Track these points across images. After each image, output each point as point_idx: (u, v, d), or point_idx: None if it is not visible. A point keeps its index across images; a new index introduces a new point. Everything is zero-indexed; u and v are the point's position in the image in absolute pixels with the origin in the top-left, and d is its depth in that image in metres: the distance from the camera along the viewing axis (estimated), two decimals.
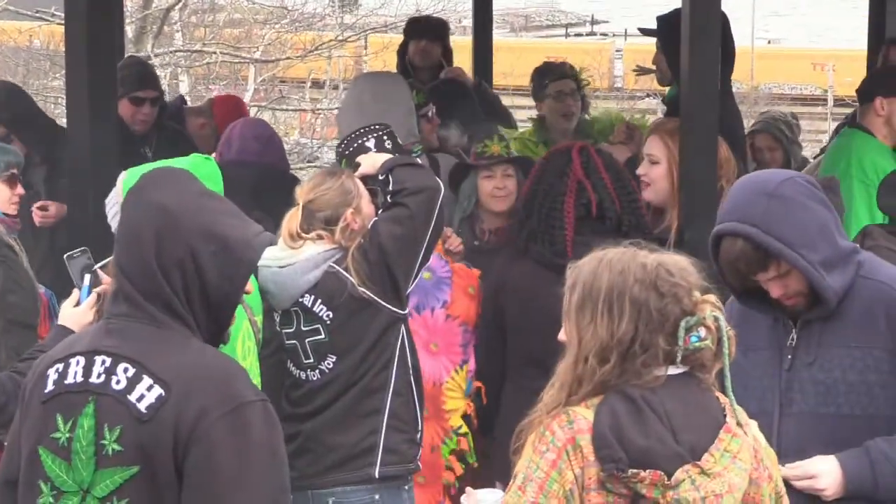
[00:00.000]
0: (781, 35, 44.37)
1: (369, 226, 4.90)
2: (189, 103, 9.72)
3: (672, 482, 3.13)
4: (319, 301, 4.84)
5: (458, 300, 5.51)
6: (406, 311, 4.94)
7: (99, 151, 5.78)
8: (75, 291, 4.20)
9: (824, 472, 3.83)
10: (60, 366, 3.30)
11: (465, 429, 5.50)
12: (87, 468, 3.22)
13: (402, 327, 4.91)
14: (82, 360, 3.27)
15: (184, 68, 21.63)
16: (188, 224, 3.28)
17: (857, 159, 6.25)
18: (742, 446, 3.22)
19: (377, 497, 4.85)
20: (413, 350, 4.95)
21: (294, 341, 4.90)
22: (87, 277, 4.17)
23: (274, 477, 3.21)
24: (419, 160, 5.44)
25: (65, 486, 3.24)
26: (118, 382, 3.22)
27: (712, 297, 3.29)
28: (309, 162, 20.09)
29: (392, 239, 4.83)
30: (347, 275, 4.81)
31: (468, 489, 3.56)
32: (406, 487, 4.94)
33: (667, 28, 6.71)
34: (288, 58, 22.51)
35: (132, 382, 3.21)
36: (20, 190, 5.62)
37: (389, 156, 5.13)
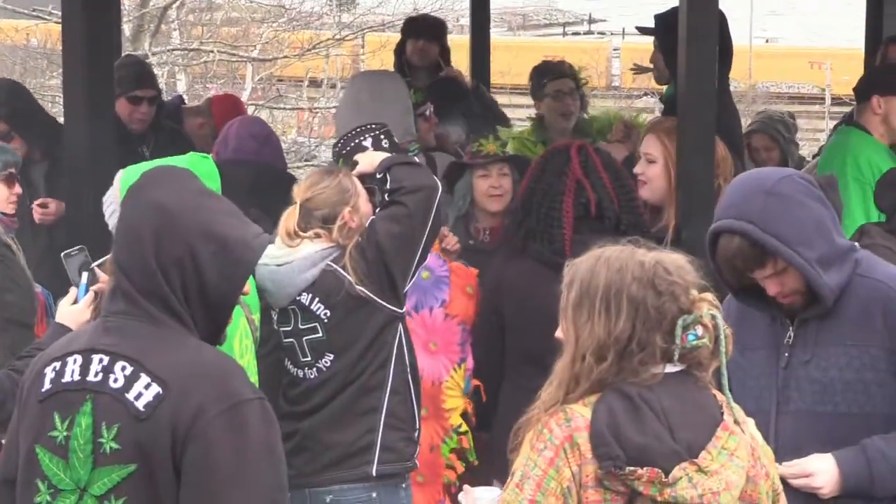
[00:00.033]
0: (779, 34, 44.40)
1: (367, 224, 4.90)
2: (187, 102, 9.72)
3: (669, 480, 3.13)
4: (317, 299, 4.84)
5: (457, 299, 5.51)
6: (403, 310, 4.95)
7: (96, 150, 5.78)
8: (72, 289, 4.20)
9: (821, 470, 3.83)
10: (58, 364, 3.30)
11: (464, 427, 5.50)
12: (84, 466, 3.22)
13: (400, 326, 4.91)
14: (79, 358, 3.27)
15: (181, 67, 21.62)
16: (187, 223, 3.28)
17: (852, 157, 6.26)
18: (739, 444, 3.23)
19: (374, 495, 4.86)
20: (410, 348, 4.96)
21: (291, 339, 4.91)
22: (85, 275, 4.17)
23: (271, 475, 3.21)
24: (416, 159, 5.45)
25: (62, 484, 3.24)
26: (116, 381, 3.22)
27: (710, 296, 3.29)
28: (306, 161, 20.09)
29: (390, 237, 4.83)
30: (345, 273, 4.82)
31: (465, 487, 3.57)
32: (403, 486, 4.94)
33: (664, 27, 6.70)
34: (285, 56, 22.51)
35: (130, 381, 3.21)
36: (18, 189, 5.62)
37: (387, 154, 5.13)
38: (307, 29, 23.84)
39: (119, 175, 4.51)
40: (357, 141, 5.35)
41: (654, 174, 5.68)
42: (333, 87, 25.14)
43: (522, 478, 3.18)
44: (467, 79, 9.04)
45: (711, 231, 3.88)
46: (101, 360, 3.24)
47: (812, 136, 23.31)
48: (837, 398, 3.86)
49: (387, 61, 10.24)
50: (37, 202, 6.60)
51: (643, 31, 7.56)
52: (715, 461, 3.18)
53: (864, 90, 6.49)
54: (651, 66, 7.38)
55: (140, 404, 3.19)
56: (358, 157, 5.17)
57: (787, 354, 3.93)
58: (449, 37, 9.11)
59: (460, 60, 9.30)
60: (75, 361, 3.27)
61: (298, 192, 4.95)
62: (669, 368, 3.24)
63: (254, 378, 4.37)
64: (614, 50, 36.42)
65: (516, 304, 5.39)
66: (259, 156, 6.24)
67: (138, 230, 3.29)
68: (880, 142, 6.33)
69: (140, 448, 3.17)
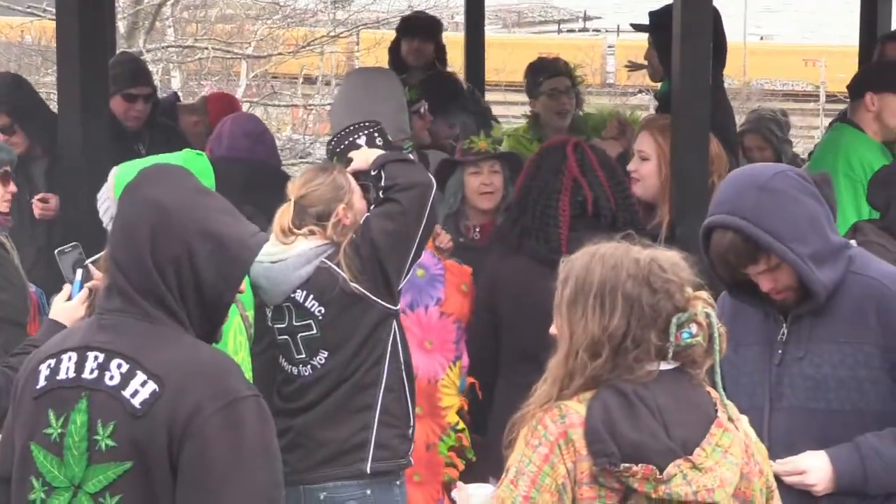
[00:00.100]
0: (774, 31, 44.41)
1: (361, 221, 4.90)
2: (181, 99, 9.71)
3: (664, 476, 3.13)
4: (311, 296, 4.84)
5: (452, 297, 5.51)
6: (398, 307, 4.95)
7: (90, 147, 5.78)
8: (66, 286, 4.20)
9: (814, 467, 3.84)
10: (52, 361, 3.30)
11: (461, 425, 5.50)
12: (78, 464, 3.22)
13: (394, 323, 4.91)
14: (74, 355, 3.27)
15: (175, 64, 21.61)
16: (184, 221, 3.28)
17: (844, 154, 6.26)
18: (733, 441, 3.23)
19: (368, 492, 4.86)
20: (405, 346, 4.96)
21: (286, 336, 4.91)
22: (79, 272, 4.17)
23: (268, 472, 3.21)
24: (411, 156, 5.44)
25: (56, 481, 3.24)
26: (112, 378, 3.22)
27: (704, 294, 3.29)
28: (301, 158, 20.09)
29: (384, 234, 4.83)
30: (339, 270, 4.82)
31: (459, 483, 3.57)
32: (398, 483, 4.95)
33: (659, 24, 6.70)
34: (280, 53, 22.48)
35: (126, 378, 3.21)
36: (12, 188, 5.61)
37: (382, 151, 5.13)
38: (302, 26, 23.82)
39: (114, 172, 4.51)
40: (351, 139, 5.35)
41: (647, 171, 5.68)
42: (328, 84, 25.14)
43: (517, 474, 3.18)
44: (462, 79, 9.02)
45: (705, 226, 3.88)
46: (96, 358, 3.24)
47: (806, 133, 23.33)
48: (831, 395, 3.87)
49: (381, 58, 10.24)
50: (37, 197, 6.60)
51: (638, 28, 7.56)
52: (709, 458, 3.18)
53: (857, 87, 6.50)
54: (645, 63, 7.38)
55: (136, 402, 3.19)
56: (352, 154, 5.18)
57: (780, 351, 3.94)
58: (444, 34, 9.10)
59: (455, 58, 9.30)
60: (70, 359, 3.27)
61: (293, 189, 4.95)
62: (664, 366, 3.24)
63: (248, 375, 4.37)
64: (609, 47, 36.41)
65: (512, 301, 5.39)
66: (252, 153, 6.24)
67: (135, 228, 3.29)
68: (873, 139, 6.33)
69: (136, 445, 3.17)
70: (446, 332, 5.50)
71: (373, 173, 5.00)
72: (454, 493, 3.53)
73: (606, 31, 42.13)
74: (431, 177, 5.06)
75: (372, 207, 4.97)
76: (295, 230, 4.87)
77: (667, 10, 6.21)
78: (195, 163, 4.37)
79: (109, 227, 4.27)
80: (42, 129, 6.70)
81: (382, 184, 4.94)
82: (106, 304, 3.33)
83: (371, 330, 4.85)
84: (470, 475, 5.15)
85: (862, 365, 3.84)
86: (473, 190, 6.06)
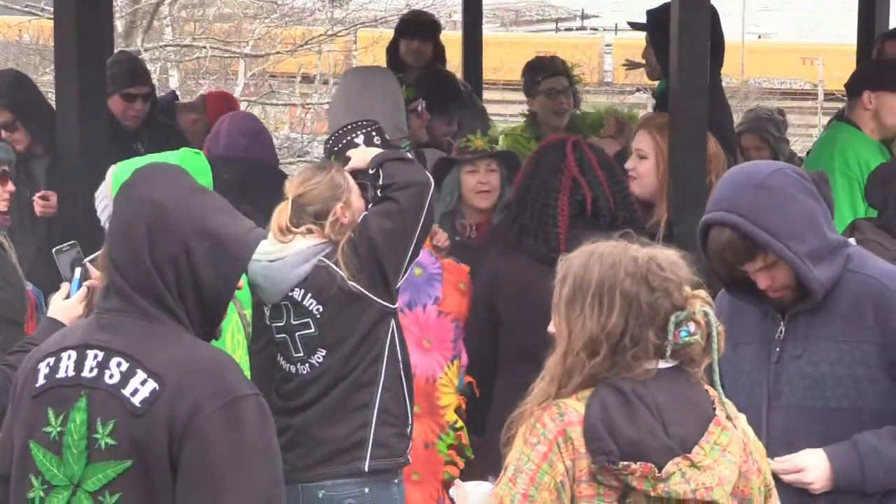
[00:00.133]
0: (772, 30, 44.43)
1: (359, 220, 4.91)
2: (180, 98, 9.71)
3: (662, 475, 3.13)
4: (309, 295, 4.84)
5: (450, 296, 5.51)
6: (396, 306, 4.95)
7: (89, 146, 5.78)
8: (64, 285, 4.20)
9: (812, 465, 3.84)
10: (51, 360, 3.30)
11: (460, 423, 5.50)
12: (78, 462, 3.22)
13: (392, 321, 4.91)
14: (74, 354, 3.28)
15: (173, 63, 21.61)
16: (181, 220, 3.28)
17: (840, 152, 6.27)
18: (731, 439, 3.23)
19: (366, 490, 4.86)
20: (403, 344, 4.96)
21: (284, 335, 4.91)
22: (78, 271, 4.17)
23: (268, 471, 3.21)
24: (409, 155, 5.44)
25: (55, 480, 3.25)
26: (111, 377, 3.22)
27: (702, 292, 3.30)
28: (299, 157, 20.10)
29: (382, 233, 4.84)
30: (337, 269, 4.82)
31: (457, 481, 3.57)
32: (396, 481, 4.95)
33: (656, 22, 6.71)
34: (278, 52, 22.48)
35: (126, 377, 3.21)
36: (11, 187, 5.61)
37: (380, 150, 5.13)
38: (299, 25, 23.83)
39: (111, 170, 4.51)
40: (349, 138, 5.35)
41: (644, 170, 5.69)
42: (326, 83, 25.15)
43: (515, 472, 3.18)
44: (459, 78, 9.00)
45: (702, 223, 3.89)
46: (95, 356, 3.25)
47: (804, 131, 23.33)
48: (828, 393, 3.87)
49: (379, 57, 10.23)
50: (38, 195, 6.60)
51: (635, 26, 7.56)
52: (708, 456, 3.18)
53: (855, 85, 6.50)
54: (643, 61, 7.38)
55: (136, 400, 3.19)
56: (350, 152, 5.17)
57: (778, 349, 3.94)
58: (441, 33, 9.08)
59: (452, 56, 9.28)
60: (69, 357, 3.28)
61: (290, 188, 4.95)
62: (662, 364, 3.24)
63: (246, 374, 4.36)
64: (606, 46, 36.43)
65: (511, 300, 5.38)
66: (249, 153, 6.23)
67: (132, 227, 3.29)
68: (871, 137, 6.34)
69: (136, 444, 3.17)
70: (444, 330, 5.49)
71: (371, 172, 5.00)
72: (452, 491, 3.53)
73: (604, 29, 42.16)
74: (429, 175, 5.06)
75: (370, 206, 4.97)
76: (293, 229, 4.87)
77: (664, 8, 6.21)
78: (193, 161, 4.37)
79: (107, 226, 4.27)
80: (44, 126, 6.70)
81: (380, 182, 4.94)
82: (104, 303, 3.33)
83: (369, 328, 4.85)
84: (469, 474, 5.15)
85: (860, 363, 3.84)
86: (470, 189, 6.05)
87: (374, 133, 5.37)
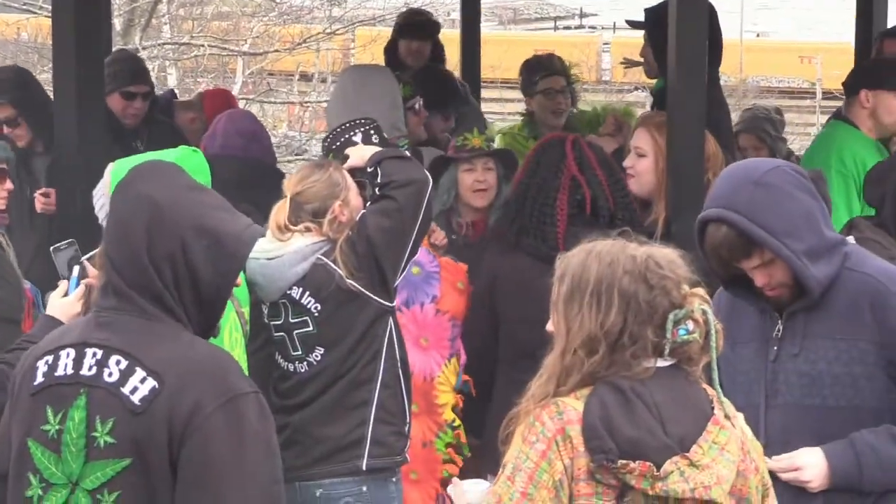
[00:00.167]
0: (770, 28, 44.44)
1: (357, 218, 4.91)
2: (178, 96, 9.71)
3: (661, 474, 3.13)
4: (307, 293, 4.85)
5: (448, 295, 5.51)
6: (394, 304, 4.95)
7: (87, 144, 5.79)
8: (63, 283, 4.19)
9: (810, 464, 3.84)
10: (50, 358, 3.30)
11: (458, 422, 5.50)
12: (76, 460, 3.22)
13: (390, 320, 4.91)
14: (72, 352, 3.28)
15: (172, 61, 21.62)
16: (178, 218, 3.28)
17: (836, 150, 6.27)
18: (730, 438, 3.23)
19: (364, 489, 4.86)
20: (401, 343, 4.96)
21: (282, 333, 4.91)
22: (76, 269, 4.17)
23: (268, 468, 3.22)
24: (407, 153, 5.44)
25: (53, 478, 3.25)
26: (111, 375, 3.22)
27: (701, 291, 3.30)
28: (297, 155, 20.10)
29: (380, 231, 4.84)
30: (335, 267, 4.82)
31: (454, 479, 3.57)
32: (393, 479, 4.95)
33: (654, 21, 6.71)
34: (276, 50, 22.50)
35: (125, 375, 3.21)
36: (9, 185, 5.60)
37: (378, 148, 5.13)
38: (298, 23, 23.83)
39: (110, 168, 4.51)
40: (346, 136, 5.35)
41: (643, 168, 5.68)
42: (324, 81, 25.15)
43: (514, 470, 3.18)
44: (456, 76, 8.98)
45: (699, 220, 3.89)
46: (94, 354, 3.25)
47: (803, 130, 23.34)
48: (826, 392, 3.87)
49: (377, 55, 10.22)
50: (39, 192, 6.60)
51: (633, 25, 7.55)
52: (706, 455, 3.18)
53: (852, 84, 6.50)
54: (641, 60, 7.38)
55: (136, 398, 3.19)
56: (349, 150, 5.17)
57: (775, 348, 3.94)
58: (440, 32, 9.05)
59: (450, 55, 9.27)
60: (68, 355, 3.28)
61: (289, 186, 4.95)
62: (660, 363, 3.24)
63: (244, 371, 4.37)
64: (605, 44, 36.45)
65: (511, 299, 5.38)
66: (247, 151, 6.22)
67: (129, 225, 3.29)
68: (868, 136, 6.34)
69: (135, 442, 3.17)
70: (442, 329, 5.49)
71: (369, 170, 5.00)
72: (449, 489, 3.53)
73: (602, 28, 42.18)
74: (427, 173, 5.06)
75: (368, 204, 4.97)
76: (291, 227, 4.87)
77: (663, 6, 6.21)
78: (191, 160, 4.37)
79: (104, 224, 4.27)
80: (46, 124, 6.70)
81: (379, 181, 4.94)
82: (102, 301, 3.33)
83: (367, 326, 4.85)
84: (466, 474, 5.15)
85: (857, 361, 3.84)
86: (467, 187, 6.05)
87: (371, 131, 5.37)
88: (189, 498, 3.16)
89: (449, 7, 22.46)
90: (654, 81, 7.31)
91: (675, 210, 5.50)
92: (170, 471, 3.17)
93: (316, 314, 4.85)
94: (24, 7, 21.33)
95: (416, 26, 8.73)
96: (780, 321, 3.94)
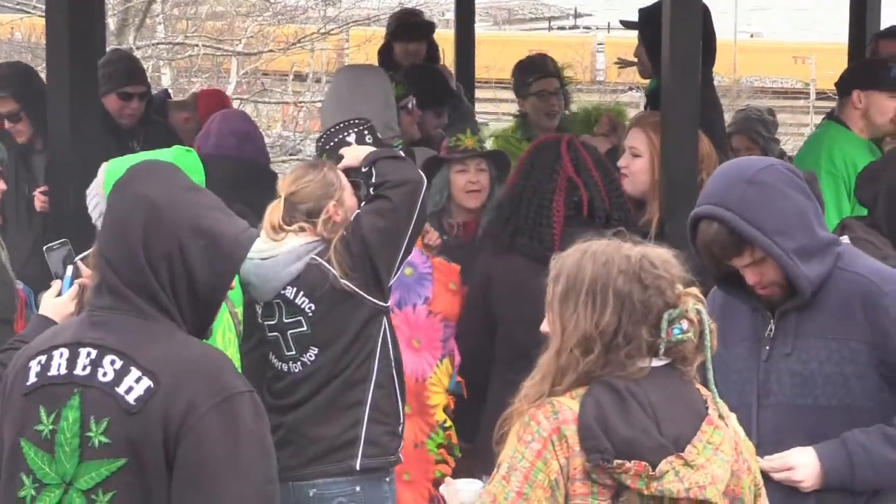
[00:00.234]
0: (764, 28, 44.47)
1: (352, 218, 4.91)
2: (172, 96, 9.71)
3: (656, 473, 3.13)
4: (301, 293, 4.84)
5: (440, 296, 5.50)
6: (388, 304, 4.95)
7: (81, 143, 5.78)
8: (56, 282, 4.19)
9: (802, 463, 3.84)
10: (43, 358, 3.30)
11: (449, 423, 5.50)
12: (70, 461, 3.21)
13: (384, 320, 4.91)
14: (66, 352, 3.27)
15: (166, 61, 21.62)
16: (174, 218, 3.28)
17: (827, 151, 6.27)
18: (724, 438, 3.24)
19: (358, 489, 4.86)
20: (395, 343, 4.96)
21: (276, 333, 4.91)
22: (69, 269, 4.16)
23: (263, 468, 3.22)
24: (401, 153, 5.44)
25: (47, 478, 3.24)
26: (105, 374, 3.21)
27: (695, 290, 3.30)
28: (291, 155, 20.10)
29: (374, 231, 4.84)
30: (330, 267, 4.82)
31: (447, 479, 3.58)
32: (387, 479, 4.95)
33: (648, 20, 6.71)
34: (270, 51, 22.50)
35: (120, 374, 3.21)
36: (2, 185, 5.61)
37: (372, 148, 5.13)
38: (292, 23, 23.84)
39: (104, 167, 4.51)
40: (340, 136, 5.34)
41: (638, 168, 5.68)
42: (318, 81, 25.16)
43: (509, 470, 3.18)
44: (450, 71, 8.96)
45: (692, 217, 3.89)
46: (88, 354, 3.24)
47: (796, 130, 23.37)
48: (818, 391, 3.87)
49: (371, 55, 10.22)
50: (38, 190, 6.60)
51: (627, 25, 7.56)
52: (701, 455, 3.19)
53: (844, 85, 6.50)
54: (635, 60, 7.38)
55: (131, 398, 3.19)
56: (343, 150, 5.17)
57: (768, 347, 3.94)
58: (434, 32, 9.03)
59: (445, 55, 9.27)
60: (62, 355, 3.27)
61: (283, 186, 4.95)
62: (655, 362, 3.24)
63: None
64: (599, 44, 36.47)
65: (506, 300, 5.37)
66: (240, 151, 6.21)
67: (126, 224, 3.29)
68: (860, 136, 6.34)
69: (130, 442, 3.17)
70: (434, 330, 5.49)
71: (363, 170, 5.00)
72: (442, 488, 3.54)
73: (597, 28, 42.22)
74: (422, 173, 5.06)
75: (362, 204, 4.97)
76: (285, 227, 4.87)
77: (656, 7, 6.21)
78: (185, 159, 4.38)
79: (98, 223, 4.27)
80: (46, 122, 6.70)
81: (373, 181, 4.94)
82: (96, 301, 3.33)
83: (361, 326, 4.85)
84: (459, 475, 5.14)
85: (848, 361, 3.85)
86: (460, 188, 6.05)
87: (366, 131, 5.37)
88: (184, 497, 3.16)
89: (443, 7, 22.47)
90: (648, 81, 7.31)
91: (668, 210, 5.50)
92: (165, 470, 3.17)
93: (310, 314, 4.85)
94: (18, 7, 21.32)
95: (412, 27, 8.68)
96: (772, 320, 3.94)
